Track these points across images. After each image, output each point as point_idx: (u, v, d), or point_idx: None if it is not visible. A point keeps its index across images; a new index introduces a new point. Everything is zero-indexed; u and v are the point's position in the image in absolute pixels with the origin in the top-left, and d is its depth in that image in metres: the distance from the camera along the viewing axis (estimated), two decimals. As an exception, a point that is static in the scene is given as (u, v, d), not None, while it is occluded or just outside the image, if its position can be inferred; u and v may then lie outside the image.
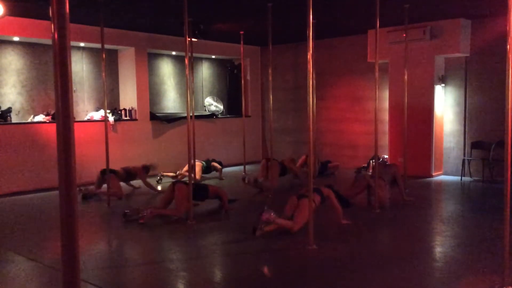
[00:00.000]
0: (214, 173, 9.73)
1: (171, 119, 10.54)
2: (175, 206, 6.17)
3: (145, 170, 8.23)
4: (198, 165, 9.33)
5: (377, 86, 6.60)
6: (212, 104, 11.96)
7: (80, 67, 9.77)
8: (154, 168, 8.41)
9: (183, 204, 6.12)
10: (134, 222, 5.95)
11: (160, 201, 6.51)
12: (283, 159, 9.01)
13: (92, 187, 7.79)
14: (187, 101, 6.42)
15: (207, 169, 9.54)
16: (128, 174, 8.08)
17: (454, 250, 4.85)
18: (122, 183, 7.88)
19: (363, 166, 10.48)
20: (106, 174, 7.25)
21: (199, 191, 6.41)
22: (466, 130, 9.34)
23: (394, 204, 6.87)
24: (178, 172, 9.36)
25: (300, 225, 5.29)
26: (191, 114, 7.62)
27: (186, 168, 8.98)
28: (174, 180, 7.49)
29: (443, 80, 9.48)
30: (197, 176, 9.08)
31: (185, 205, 6.12)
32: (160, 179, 9.04)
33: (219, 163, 9.90)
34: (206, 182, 9.14)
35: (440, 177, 9.45)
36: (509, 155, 3.67)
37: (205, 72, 12.27)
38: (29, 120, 8.76)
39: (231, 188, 8.30)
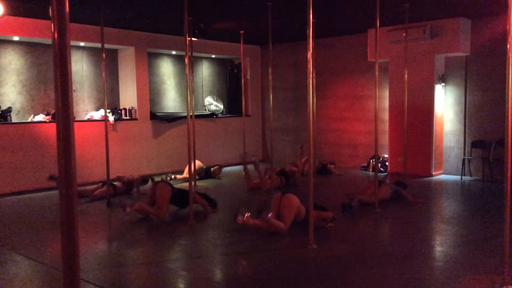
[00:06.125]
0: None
1: (171, 119, 10.54)
2: (157, 207, 6.09)
3: (142, 182, 8.12)
4: (198, 164, 9.28)
5: (377, 85, 6.59)
6: (212, 104, 11.96)
7: (80, 67, 9.77)
8: (152, 180, 8.26)
9: (164, 206, 6.07)
10: (132, 221, 5.94)
11: (145, 201, 6.29)
12: (284, 167, 8.89)
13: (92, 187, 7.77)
14: (187, 100, 6.42)
15: (206, 174, 9.45)
16: (128, 186, 7.97)
17: (454, 249, 4.85)
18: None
19: (363, 166, 10.50)
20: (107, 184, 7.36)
21: (180, 196, 6.31)
22: (466, 129, 9.34)
23: (395, 204, 6.87)
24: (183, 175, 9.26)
25: (289, 223, 5.31)
26: (191, 114, 7.62)
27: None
28: (157, 180, 7.01)
29: (443, 79, 9.47)
30: (185, 174, 9.02)
31: (167, 206, 6.11)
32: (170, 178, 8.92)
33: (218, 165, 9.89)
34: (203, 182, 9.16)
35: (440, 176, 9.45)
36: (509, 154, 3.67)
37: (205, 71, 12.26)
38: (29, 120, 8.76)
39: (228, 187, 8.29)
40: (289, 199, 5.39)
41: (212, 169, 9.56)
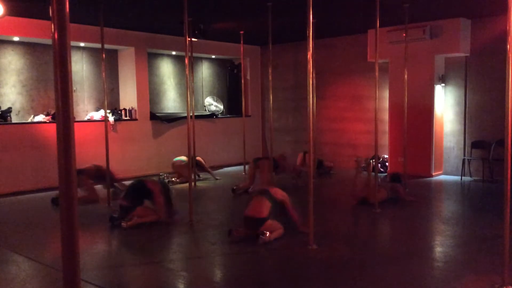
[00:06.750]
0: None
1: (171, 119, 10.54)
2: (151, 215, 5.96)
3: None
4: (181, 165, 8.94)
5: (377, 86, 6.60)
6: (212, 104, 11.96)
7: (80, 67, 9.77)
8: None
9: (154, 210, 5.99)
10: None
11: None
12: (275, 156, 8.89)
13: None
14: (187, 101, 6.42)
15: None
16: (98, 172, 7.44)
17: (454, 249, 4.85)
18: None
19: (363, 166, 10.48)
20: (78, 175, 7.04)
21: (136, 190, 6.05)
22: (466, 129, 9.34)
23: (395, 204, 6.88)
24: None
25: (281, 226, 5.23)
26: (191, 114, 7.62)
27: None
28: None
29: (443, 79, 9.47)
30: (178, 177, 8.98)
31: (164, 207, 5.98)
32: (168, 181, 8.83)
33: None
34: (201, 182, 9.16)
35: (440, 176, 9.45)
36: (509, 154, 3.67)
37: (205, 72, 12.26)
38: (29, 120, 8.76)
39: (227, 188, 8.28)
40: (267, 225, 5.13)
41: (197, 157, 9.16)
